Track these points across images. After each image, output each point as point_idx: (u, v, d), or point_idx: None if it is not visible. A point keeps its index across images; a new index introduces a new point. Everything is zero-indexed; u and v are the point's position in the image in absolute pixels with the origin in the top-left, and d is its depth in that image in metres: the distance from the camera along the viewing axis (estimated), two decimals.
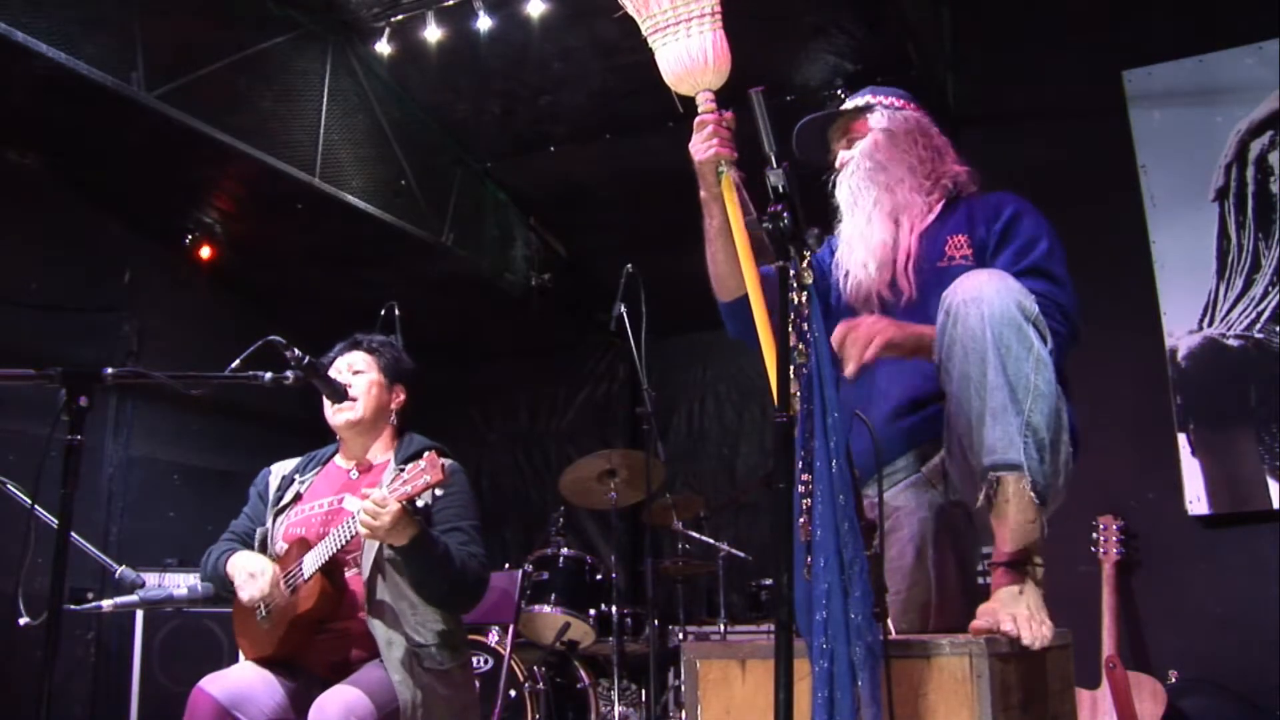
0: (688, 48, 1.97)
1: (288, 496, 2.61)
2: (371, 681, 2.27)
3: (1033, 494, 1.68)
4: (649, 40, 2.03)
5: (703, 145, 1.95)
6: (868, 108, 2.19)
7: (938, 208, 2.12)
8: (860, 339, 1.84)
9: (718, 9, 1.98)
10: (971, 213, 2.08)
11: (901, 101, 2.22)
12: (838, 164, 2.20)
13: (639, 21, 2.06)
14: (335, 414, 2.55)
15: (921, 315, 2.00)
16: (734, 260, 2.00)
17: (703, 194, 2.02)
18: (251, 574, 2.41)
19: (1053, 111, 4.13)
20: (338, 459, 2.68)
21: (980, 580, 2.21)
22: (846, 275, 2.13)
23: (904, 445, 2.01)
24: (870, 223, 2.10)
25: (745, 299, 2.04)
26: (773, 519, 1.47)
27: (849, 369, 1.82)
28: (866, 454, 1.83)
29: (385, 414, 2.64)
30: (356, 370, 2.60)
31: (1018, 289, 1.73)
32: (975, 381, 1.70)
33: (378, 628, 2.34)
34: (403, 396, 2.67)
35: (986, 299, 1.71)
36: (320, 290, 5.77)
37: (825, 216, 2.28)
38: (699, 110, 1.98)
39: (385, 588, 2.37)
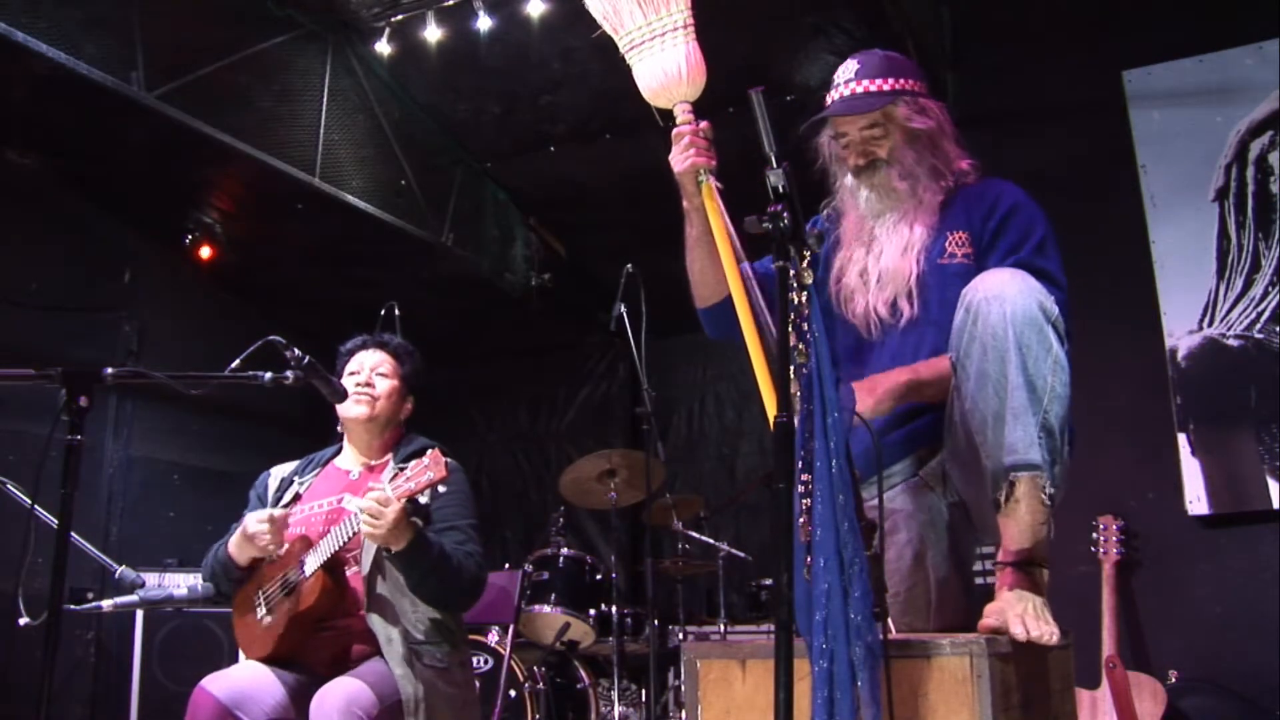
0: (662, 62, 1.99)
1: (287, 497, 2.61)
2: (373, 674, 2.28)
3: (1045, 495, 1.69)
4: (626, 58, 2.05)
5: (680, 157, 1.97)
6: (894, 97, 2.05)
7: (938, 204, 2.08)
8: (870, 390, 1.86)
9: (690, 21, 2.00)
10: (968, 204, 2.05)
11: (915, 83, 2.09)
12: (858, 155, 2.08)
13: (616, 40, 2.07)
14: (352, 404, 2.55)
15: (922, 329, 2.00)
16: (712, 268, 2.06)
17: (685, 204, 2.04)
18: (261, 519, 2.39)
19: (1053, 111, 4.13)
20: (337, 460, 2.69)
21: (982, 580, 2.21)
22: (839, 284, 2.10)
23: (901, 452, 2.01)
24: (888, 238, 2.05)
25: (722, 304, 2.09)
26: (773, 519, 1.47)
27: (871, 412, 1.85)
28: (866, 455, 1.83)
29: (394, 421, 2.66)
30: (381, 373, 2.63)
31: (1039, 290, 1.73)
32: (994, 380, 1.70)
33: (378, 625, 2.34)
34: (410, 407, 2.69)
35: (1009, 298, 1.70)
36: (320, 290, 5.77)
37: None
38: (676, 122, 1.99)
39: (385, 585, 2.38)
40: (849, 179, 2.12)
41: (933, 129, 2.07)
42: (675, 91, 1.99)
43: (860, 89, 2.06)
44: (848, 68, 2.09)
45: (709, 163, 1.95)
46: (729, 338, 2.15)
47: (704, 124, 1.97)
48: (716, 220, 1.92)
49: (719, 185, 1.94)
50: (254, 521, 2.41)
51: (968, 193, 2.08)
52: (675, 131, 1.98)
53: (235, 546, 2.48)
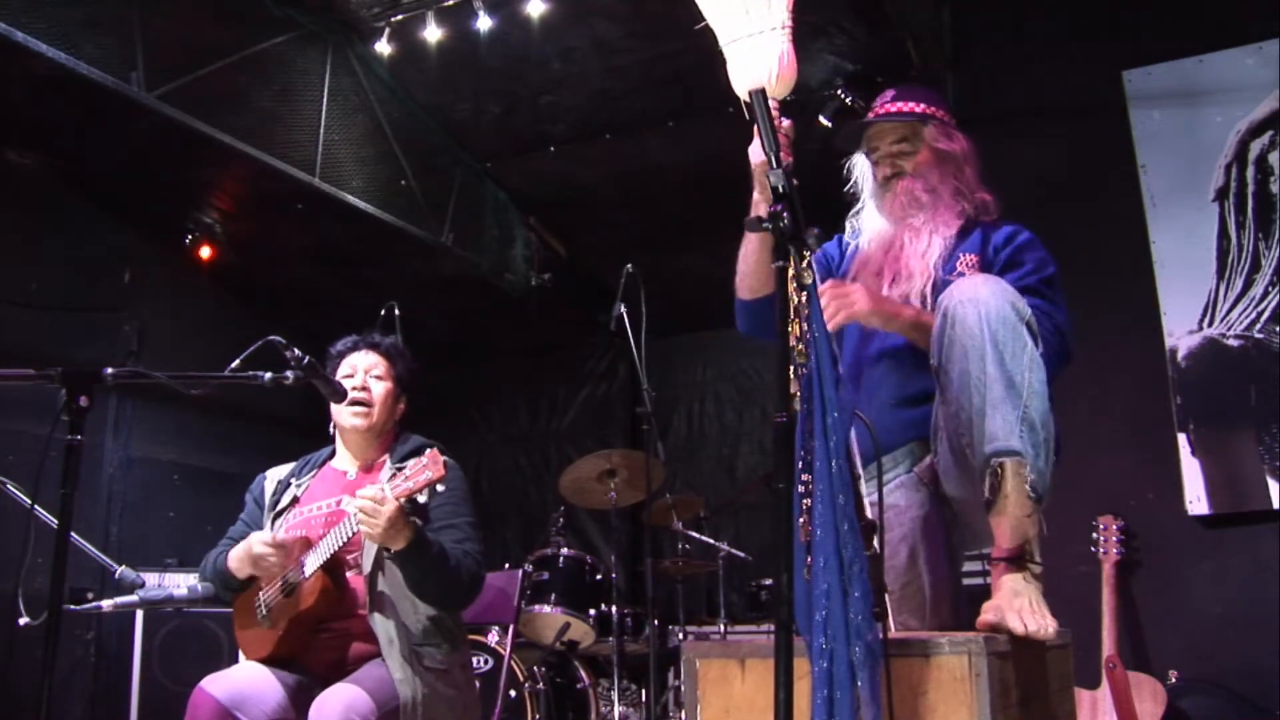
0: (755, 59, 2.04)
1: (285, 500, 2.60)
2: (372, 679, 2.28)
3: (1030, 486, 1.70)
4: (724, 50, 2.09)
5: (760, 150, 2.01)
6: (924, 119, 2.23)
7: (957, 225, 2.17)
8: (841, 301, 1.91)
9: (789, 24, 2.05)
10: (986, 237, 2.15)
11: (945, 114, 2.26)
12: (888, 167, 2.22)
13: (716, 32, 2.11)
14: (350, 415, 2.55)
15: None
16: (764, 262, 2.09)
17: (755, 194, 2.09)
18: (263, 540, 2.38)
19: (1053, 111, 4.13)
20: (334, 462, 2.68)
21: (980, 580, 2.22)
22: (855, 280, 2.16)
23: (898, 439, 2.04)
24: (909, 240, 2.14)
25: (765, 300, 2.14)
26: (773, 519, 1.47)
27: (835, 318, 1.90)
28: (866, 454, 1.83)
29: (391, 421, 2.65)
30: (375, 375, 2.61)
31: (1011, 292, 1.79)
32: (974, 378, 1.74)
33: (378, 625, 2.34)
34: (404, 406, 2.69)
35: (982, 299, 1.76)
36: (320, 290, 5.77)
37: (822, 211, 2.29)
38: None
39: (386, 585, 2.38)
40: (876, 188, 2.24)
41: (957, 153, 2.21)
42: (764, 89, 2.03)
43: (894, 108, 2.25)
44: (885, 95, 2.28)
45: (786, 159, 1.99)
46: (761, 336, 2.20)
47: (787, 122, 2.04)
48: None
49: (795, 181, 1.99)
50: (259, 544, 2.39)
51: (986, 228, 2.18)
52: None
53: (236, 562, 2.46)
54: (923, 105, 2.24)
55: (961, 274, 2.07)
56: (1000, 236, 2.14)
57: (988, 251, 2.12)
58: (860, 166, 2.30)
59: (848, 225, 2.34)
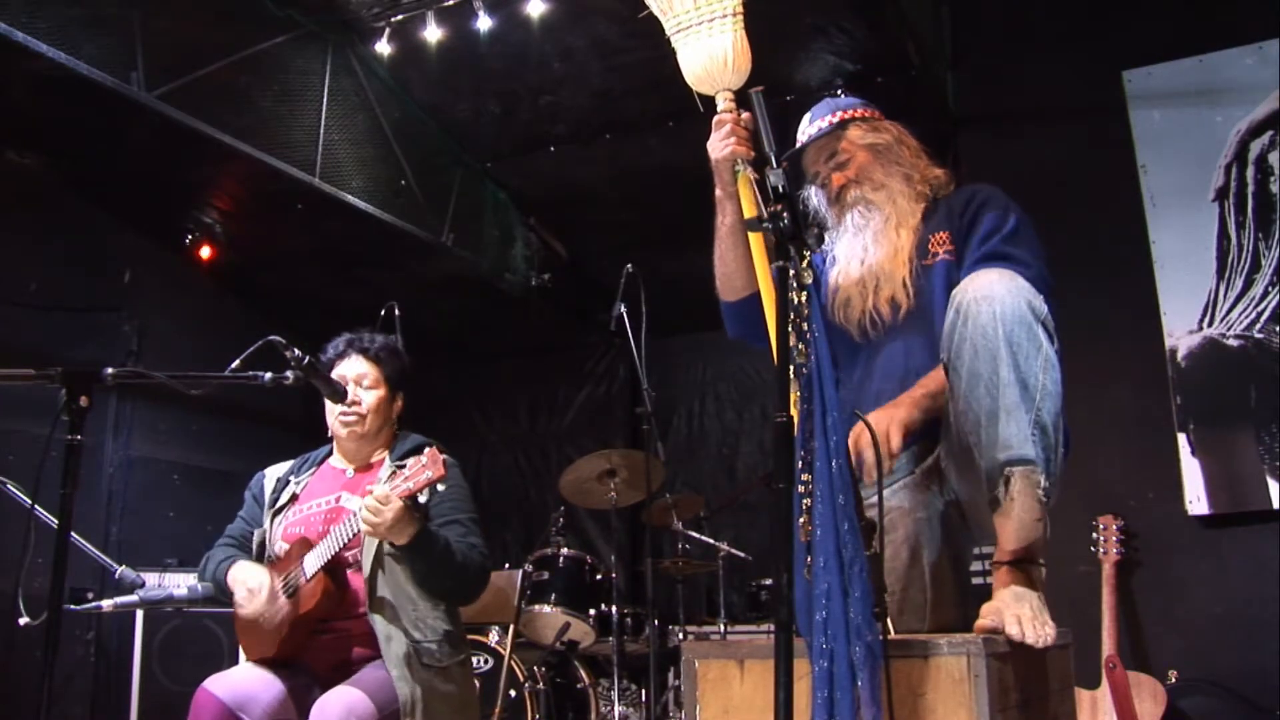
0: (709, 48, 2.00)
1: (284, 498, 2.61)
2: (372, 682, 2.28)
3: (1041, 492, 1.68)
4: (672, 40, 2.06)
5: (720, 144, 1.99)
6: (843, 124, 2.20)
7: (920, 210, 2.15)
8: (881, 437, 1.80)
9: (739, 10, 2.01)
10: (949, 209, 2.12)
11: (871, 111, 2.23)
12: (832, 184, 2.19)
13: (663, 21, 2.08)
14: (341, 424, 2.55)
15: (922, 322, 2.02)
16: (742, 259, 2.09)
17: (718, 192, 2.06)
18: (250, 590, 2.41)
19: (1053, 111, 4.13)
20: (332, 459, 2.68)
21: (981, 580, 2.21)
22: (835, 293, 2.13)
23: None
24: (876, 242, 2.11)
25: (749, 299, 2.11)
26: (773, 519, 1.47)
27: (887, 465, 1.79)
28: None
29: (387, 422, 2.65)
30: (366, 385, 2.59)
31: (1028, 289, 1.74)
32: (986, 379, 1.70)
33: (378, 623, 2.34)
34: (400, 403, 2.68)
35: (998, 297, 1.71)
36: (320, 290, 5.77)
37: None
38: (718, 110, 2.01)
39: (385, 584, 2.38)
40: (830, 207, 2.21)
41: (889, 141, 2.19)
42: (719, 78, 2.01)
43: (813, 130, 2.22)
44: (804, 120, 2.25)
45: (748, 153, 1.97)
46: (748, 339, 2.17)
47: (746, 114, 1.99)
48: (751, 212, 1.92)
49: (755, 176, 1.95)
50: (259, 583, 2.40)
51: (949, 200, 2.15)
52: (717, 119, 2.00)
53: (233, 584, 2.45)
54: (838, 113, 2.21)
55: (935, 254, 2.05)
56: (959, 201, 2.10)
57: (954, 221, 2.07)
58: (814, 195, 2.26)
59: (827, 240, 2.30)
